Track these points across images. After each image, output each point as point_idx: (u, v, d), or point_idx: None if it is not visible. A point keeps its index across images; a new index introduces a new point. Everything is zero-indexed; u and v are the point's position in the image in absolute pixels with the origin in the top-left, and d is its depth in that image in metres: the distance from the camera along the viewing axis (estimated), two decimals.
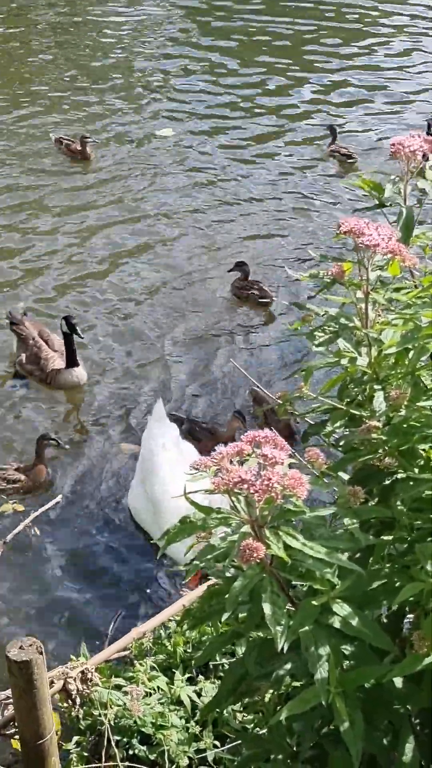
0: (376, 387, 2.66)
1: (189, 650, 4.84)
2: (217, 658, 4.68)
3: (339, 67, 15.00)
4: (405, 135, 2.82)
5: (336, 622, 2.40)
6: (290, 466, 2.32)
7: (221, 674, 4.69)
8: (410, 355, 2.60)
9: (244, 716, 4.32)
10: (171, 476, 6.15)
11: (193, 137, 12.55)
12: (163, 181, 11.34)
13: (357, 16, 17.40)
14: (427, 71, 14.78)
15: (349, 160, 11.73)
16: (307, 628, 2.36)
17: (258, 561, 2.20)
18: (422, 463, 2.62)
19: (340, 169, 11.71)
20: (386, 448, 2.57)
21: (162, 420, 6.80)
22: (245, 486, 2.20)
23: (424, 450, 2.55)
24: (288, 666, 2.53)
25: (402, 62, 15.16)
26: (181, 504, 5.94)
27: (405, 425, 2.50)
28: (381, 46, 15.93)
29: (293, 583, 2.50)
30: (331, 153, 11.93)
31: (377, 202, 2.84)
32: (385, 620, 2.83)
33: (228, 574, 2.55)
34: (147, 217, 10.51)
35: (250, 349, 8.29)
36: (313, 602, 2.36)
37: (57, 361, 7.88)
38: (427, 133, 10.32)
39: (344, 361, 2.67)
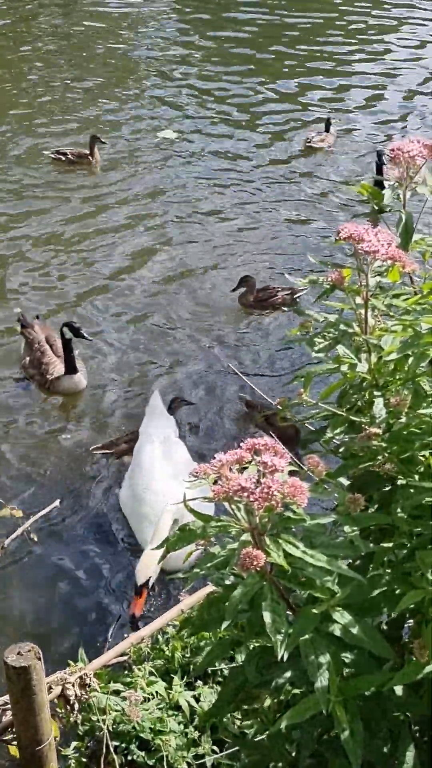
0: (375, 393, 2.65)
1: (187, 655, 4.83)
2: (216, 664, 4.67)
3: (347, 63, 15.02)
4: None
5: (336, 630, 2.39)
6: (291, 473, 2.32)
7: (220, 679, 4.69)
8: (410, 361, 2.59)
9: (243, 722, 4.31)
10: (158, 472, 6.15)
11: (195, 138, 12.52)
12: (167, 184, 11.31)
13: (365, 10, 17.43)
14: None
15: (307, 143, 12.17)
16: (307, 636, 2.35)
17: (258, 569, 2.19)
18: (422, 469, 2.61)
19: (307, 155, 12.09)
20: (386, 454, 2.56)
21: (157, 412, 6.79)
22: (245, 494, 2.19)
23: (424, 456, 2.54)
24: (288, 674, 2.52)
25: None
26: (160, 499, 5.96)
27: (405, 432, 2.49)
28: (391, 44, 15.96)
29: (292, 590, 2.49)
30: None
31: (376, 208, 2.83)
32: (385, 627, 2.82)
33: (227, 582, 2.53)
34: (151, 221, 10.48)
35: (252, 355, 8.26)
36: (313, 610, 2.35)
37: (58, 367, 7.89)
38: (378, 163, 10.44)
39: (344, 368, 2.66)
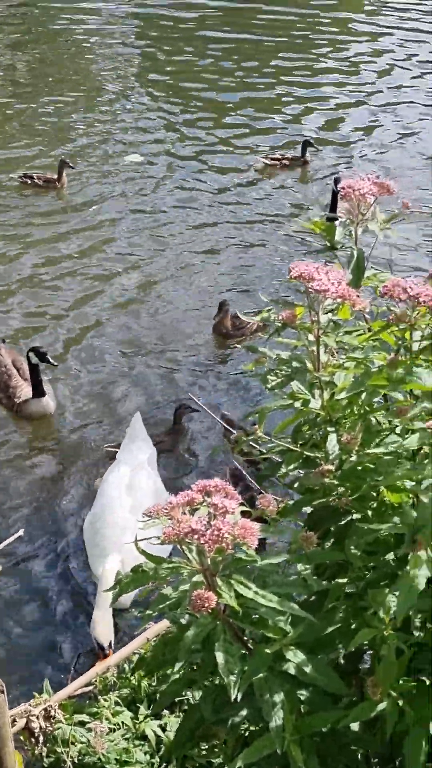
0: (329, 429, 2.66)
1: (153, 683, 4.81)
2: (183, 693, 4.64)
3: (321, 84, 15.02)
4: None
5: (290, 669, 2.40)
6: (242, 513, 2.33)
7: (186, 708, 4.67)
8: (363, 397, 2.61)
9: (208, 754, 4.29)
10: (119, 502, 6.11)
11: (162, 162, 12.48)
12: (134, 208, 11.24)
13: (332, 32, 17.48)
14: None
15: (263, 159, 12.21)
16: (261, 675, 2.36)
17: (210, 611, 2.20)
18: (375, 505, 2.63)
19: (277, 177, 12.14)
20: (339, 490, 2.58)
21: (135, 436, 6.76)
22: (196, 536, 2.19)
23: (376, 492, 2.56)
24: (244, 712, 2.52)
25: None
26: (116, 532, 5.87)
27: (357, 469, 2.50)
28: (362, 65, 16.02)
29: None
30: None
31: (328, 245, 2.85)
32: (342, 660, 2.82)
33: (182, 621, 2.54)
34: (118, 245, 10.41)
35: (222, 383, 8.20)
36: (266, 650, 2.35)
37: (25, 390, 7.85)
38: (335, 189, 10.38)
39: (297, 404, 2.67)
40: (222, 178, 12.07)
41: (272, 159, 12.23)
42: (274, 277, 9.66)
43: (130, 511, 5.95)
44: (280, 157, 12.24)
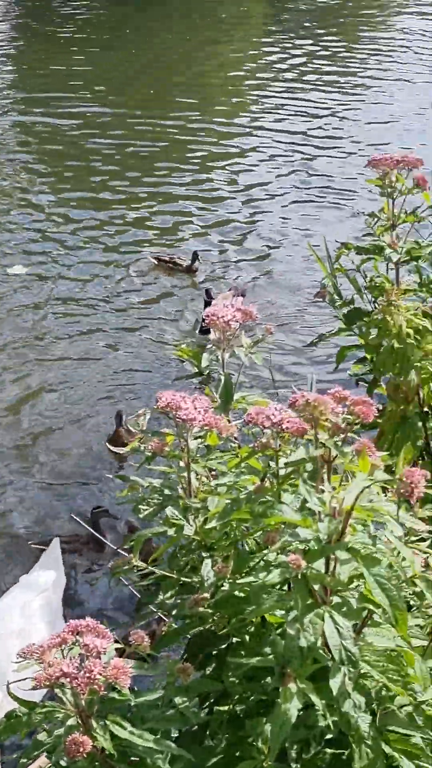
0: (204, 555, 2.68)
1: None
2: None
3: (198, 191, 15.12)
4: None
5: None
6: (117, 650, 2.31)
7: None
8: (234, 523, 2.64)
9: None
10: (8, 624, 5.96)
11: (47, 273, 12.27)
12: (19, 322, 11.06)
13: (212, 133, 17.80)
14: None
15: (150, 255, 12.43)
16: None
17: (85, 756, 2.15)
18: (253, 629, 2.64)
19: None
20: (215, 618, 2.59)
21: (46, 559, 6.64)
22: (68, 679, 2.16)
23: (253, 620, 2.57)
24: None
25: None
26: (2, 650, 5.68)
27: (231, 597, 2.52)
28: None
29: None
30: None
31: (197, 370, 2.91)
32: None
33: (62, 762, 2.47)
34: (10, 358, 10.28)
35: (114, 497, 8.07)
36: None
37: None
38: (206, 300, 10.25)
39: (170, 531, 2.69)
40: (109, 290, 11.96)
41: (159, 260, 12.25)
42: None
43: (18, 638, 5.77)
44: (168, 259, 12.27)
